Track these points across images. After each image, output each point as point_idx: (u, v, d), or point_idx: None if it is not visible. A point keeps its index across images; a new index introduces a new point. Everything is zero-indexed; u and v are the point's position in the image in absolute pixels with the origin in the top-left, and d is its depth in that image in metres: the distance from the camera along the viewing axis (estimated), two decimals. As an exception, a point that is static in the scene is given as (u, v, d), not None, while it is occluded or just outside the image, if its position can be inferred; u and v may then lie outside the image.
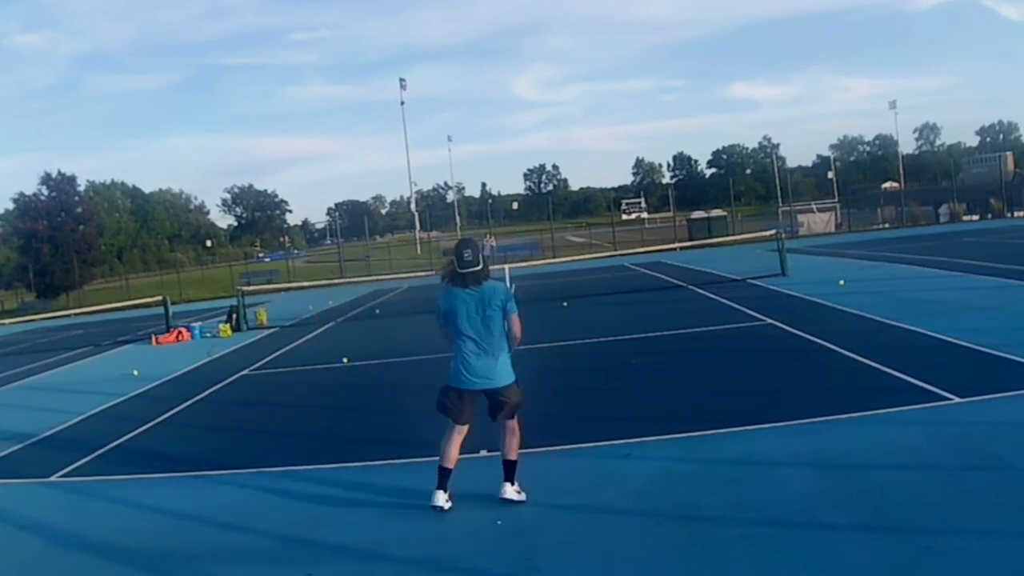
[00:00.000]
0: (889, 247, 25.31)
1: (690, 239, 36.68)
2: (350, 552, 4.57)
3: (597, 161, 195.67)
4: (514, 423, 5.00)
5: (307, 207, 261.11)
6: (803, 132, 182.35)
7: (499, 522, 4.71)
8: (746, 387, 7.72)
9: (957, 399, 6.27)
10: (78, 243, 51.46)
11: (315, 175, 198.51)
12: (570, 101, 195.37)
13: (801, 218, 44.15)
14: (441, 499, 4.92)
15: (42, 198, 54.09)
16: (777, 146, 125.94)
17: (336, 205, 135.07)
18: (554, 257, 34.86)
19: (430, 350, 12.12)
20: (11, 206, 57.59)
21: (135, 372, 12.86)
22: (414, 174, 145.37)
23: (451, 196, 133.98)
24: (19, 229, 55.40)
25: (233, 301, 20.14)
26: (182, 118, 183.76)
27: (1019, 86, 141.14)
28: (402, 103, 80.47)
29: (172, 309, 20.04)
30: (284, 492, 5.81)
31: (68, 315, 30.23)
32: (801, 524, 4.22)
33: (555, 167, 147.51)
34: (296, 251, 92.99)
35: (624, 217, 73.98)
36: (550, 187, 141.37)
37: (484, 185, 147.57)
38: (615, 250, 36.77)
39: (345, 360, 11.87)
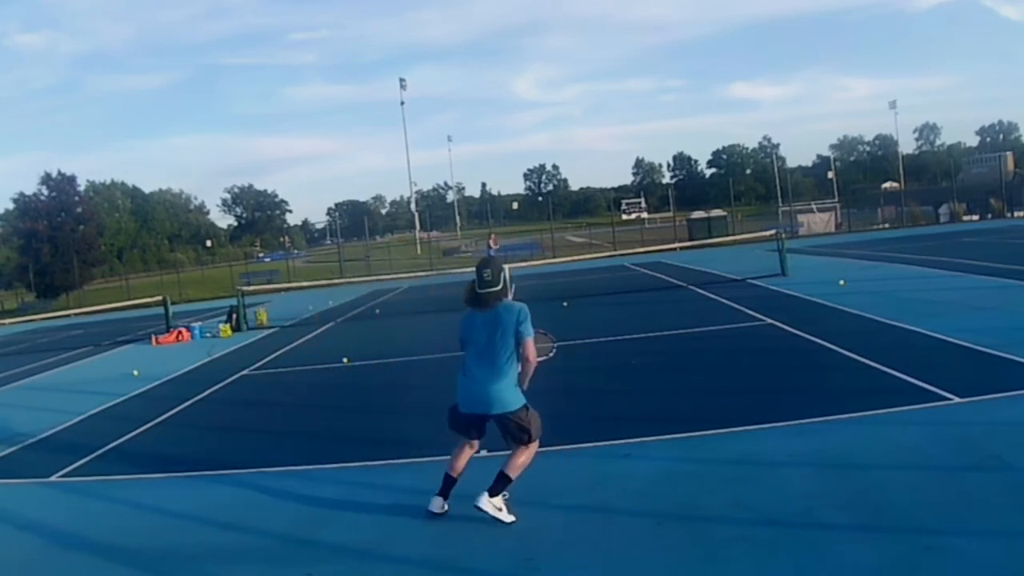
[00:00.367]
0: (889, 247, 25.31)
1: (690, 239, 36.71)
2: (350, 552, 4.57)
3: (597, 161, 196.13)
4: (531, 447, 4.75)
5: (307, 207, 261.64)
6: (803, 132, 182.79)
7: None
8: (746, 387, 7.72)
9: (957, 399, 6.26)
10: (78, 243, 51.48)
11: (315, 175, 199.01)
12: (570, 101, 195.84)
13: (801, 218, 44.17)
14: (437, 504, 4.85)
15: (42, 198, 54.11)
16: (777, 146, 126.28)
17: (336, 205, 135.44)
18: (554, 257, 34.87)
19: (430, 350, 12.13)
20: (11, 206, 57.74)
21: (135, 372, 12.86)
22: (414, 174, 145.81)
23: (451, 196, 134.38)
24: (19, 229, 55.44)
25: (233, 301, 20.14)
26: (182, 118, 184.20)
27: (1019, 86, 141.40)
28: (402, 103, 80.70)
29: (172, 309, 20.03)
30: (284, 492, 5.81)
31: (68, 315, 30.23)
32: (801, 524, 4.22)
33: (555, 167, 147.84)
34: (296, 251, 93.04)
35: (624, 217, 73.97)
36: (550, 187, 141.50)
37: (484, 185, 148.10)
38: (615, 250, 36.76)
39: (345, 360, 11.87)
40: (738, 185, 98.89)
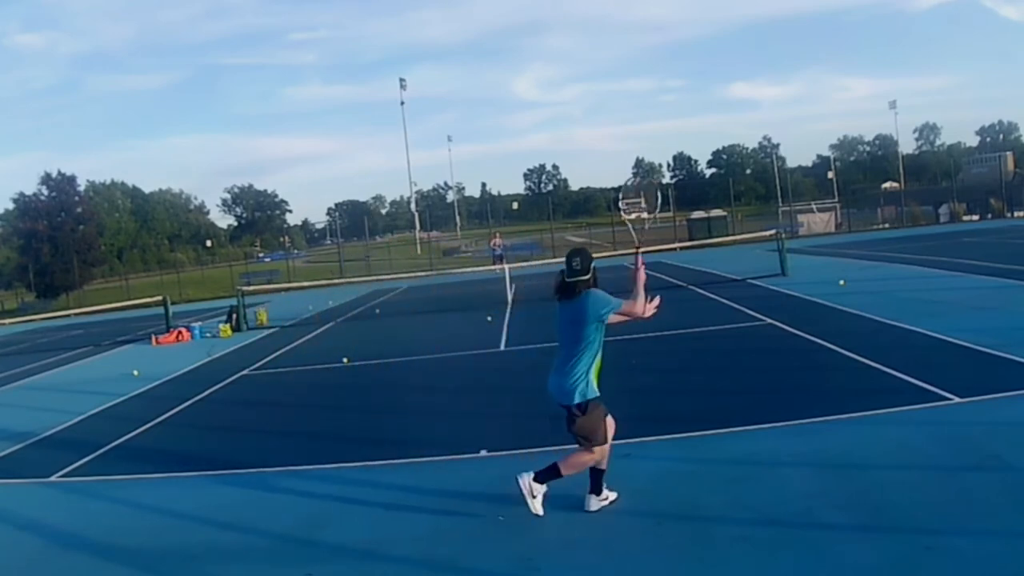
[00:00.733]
0: (889, 247, 25.31)
1: (690, 239, 36.67)
2: (350, 552, 4.57)
3: (597, 161, 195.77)
4: (589, 450, 4.59)
5: (307, 207, 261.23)
6: (803, 132, 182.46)
7: (500, 517, 4.74)
8: (746, 387, 7.73)
9: (957, 399, 6.27)
10: (78, 243, 51.48)
11: (315, 175, 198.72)
12: (570, 101, 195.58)
13: (801, 218, 44.17)
14: (594, 502, 4.76)
15: (42, 198, 54.12)
16: (777, 146, 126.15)
17: (336, 205, 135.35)
18: (554, 257, 34.83)
19: (430, 350, 12.14)
20: (11, 206, 57.75)
21: (135, 372, 12.86)
22: (414, 174, 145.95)
23: (451, 196, 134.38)
24: (19, 229, 55.45)
25: (233, 301, 20.14)
26: (182, 118, 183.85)
27: (1019, 86, 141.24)
28: (402, 103, 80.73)
29: (172, 309, 20.03)
30: (284, 492, 5.82)
31: (68, 315, 30.22)
32: (801, 524, 4.23)
33: (555, 167, 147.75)
34: (296, 251, 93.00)
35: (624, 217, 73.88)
36: (550, 187, 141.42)
37: (484, 185, 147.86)
38: (615, 250, 36.73)
39: (345, 360, 11.87)
40: (738, 185, 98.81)
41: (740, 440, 5.86)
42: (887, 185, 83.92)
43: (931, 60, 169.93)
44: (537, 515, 4.60)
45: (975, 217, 42.18)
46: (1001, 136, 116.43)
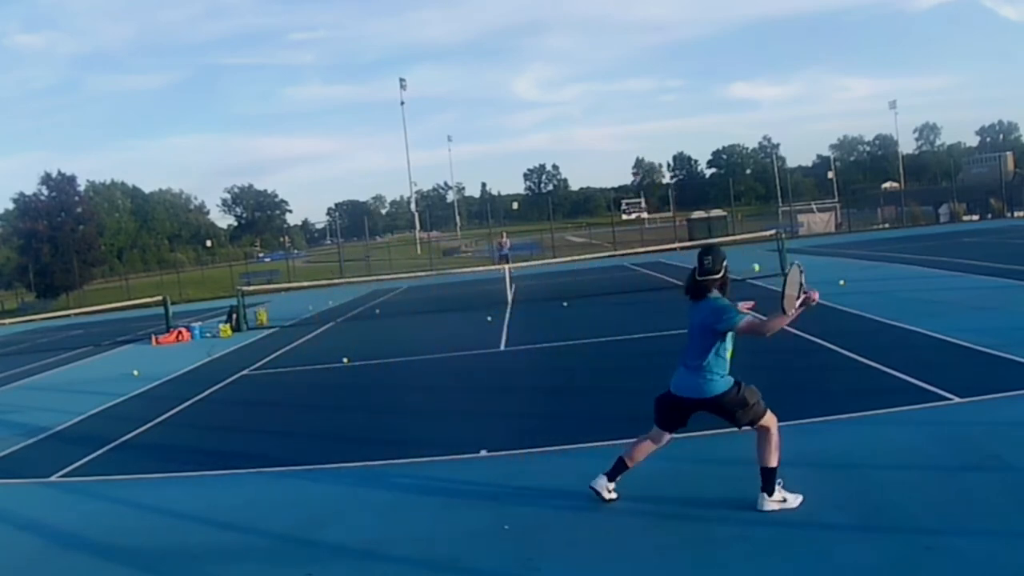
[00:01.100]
0: (889, 247, 25.30)
1: (690, 239, 36.67)
2: (350, 552, 4.57)
3: (597, 161, 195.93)
4: (762, 429, 4.50)
5: (307, 207, 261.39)
6: (803, 132, 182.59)
7: (506, 527, 4.69)
8: (746, 387, 7.70)
9: (957, 399, 6.27)
10: (78, 243, 51.47)
11: (315, 175, 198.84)
12: (570, 101, 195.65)
13: (801, 218, 44.17)
14: (601, 484, 4.77)
15: (42, 198, 54.13)
16: (777, 146, 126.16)
17: (336, 205, 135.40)
18: (554, 257, 34.88)
19: (430, 350, 12.14)
20: (11, 206, 57.76)
21: (135, 372, 12.86)
22: (414, 174, 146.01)
23: (451, 196, 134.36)
24: (19, 229, 55.46)
25: (233, 301, 20.14)
26: (182, 118, 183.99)
27: (1019, 86, 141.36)
28: (402, 103, 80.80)
29: (172, 309, 20.03)
30: (284, 492, 5.82)
31: (68, 315, 30.22)
32: (801, 524, 4.23)
33: (555, 167, 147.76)
34: (296, 251, 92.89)
35: (624, 217, 73.98)
36: (550, 187, 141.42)
37: (484, 185, 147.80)
38: (615, 250, 36.76)
39: (345, 360, 11.87)
40: (738, 185, 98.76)
41: (740, 440, 5.84)
42: (887, 185, 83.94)
43: (931, 60, 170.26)
44: (800, 503, 4.41)
45: (975, 217, 42.19)
46: (1001, 136, 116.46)
